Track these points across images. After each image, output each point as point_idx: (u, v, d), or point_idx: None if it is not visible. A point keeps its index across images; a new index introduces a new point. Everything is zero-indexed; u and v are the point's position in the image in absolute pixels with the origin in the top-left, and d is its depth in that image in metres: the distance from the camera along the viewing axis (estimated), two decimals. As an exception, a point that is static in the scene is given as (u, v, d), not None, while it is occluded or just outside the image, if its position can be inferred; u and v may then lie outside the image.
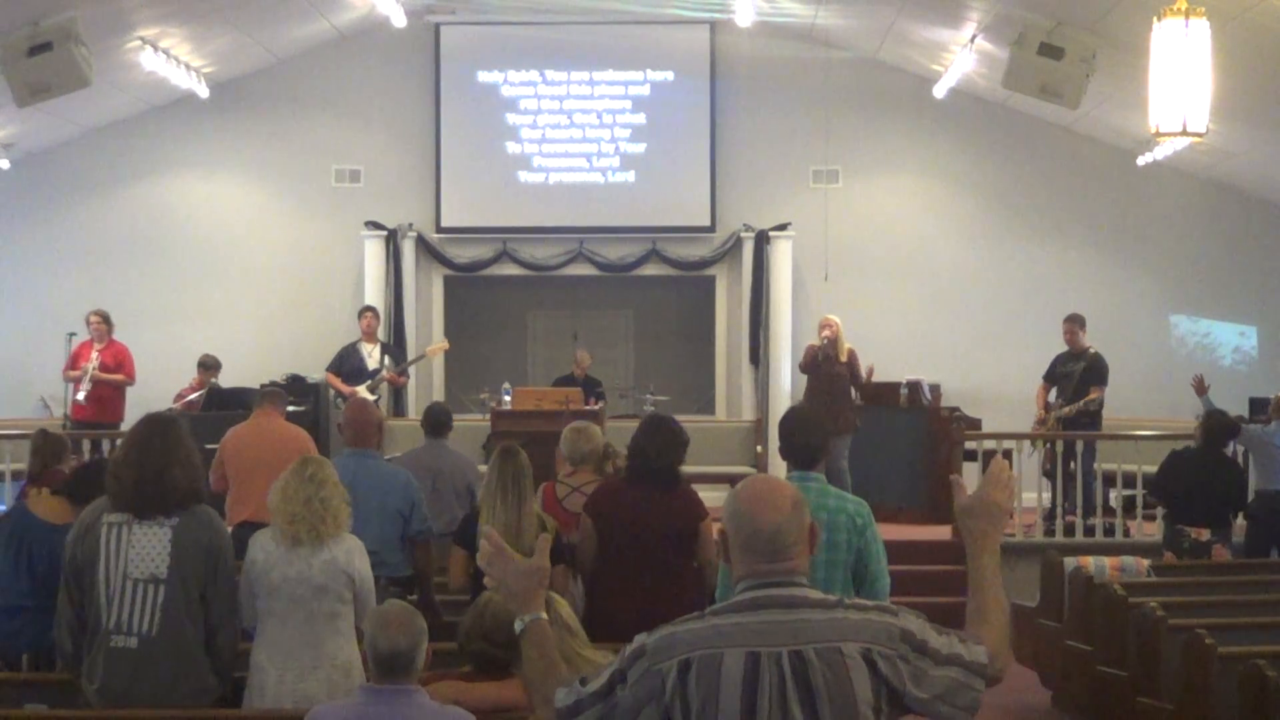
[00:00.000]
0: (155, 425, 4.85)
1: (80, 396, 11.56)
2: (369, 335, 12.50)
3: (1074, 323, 11.34)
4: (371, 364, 12.35)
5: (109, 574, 4.62)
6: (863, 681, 2.58)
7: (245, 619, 5.02)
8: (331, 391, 12.12)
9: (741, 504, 2.74)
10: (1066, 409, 11.01)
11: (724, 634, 2.63)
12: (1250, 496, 9.87)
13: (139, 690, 4.60)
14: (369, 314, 12.60)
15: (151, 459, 4.68)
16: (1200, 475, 8.76)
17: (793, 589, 2.68)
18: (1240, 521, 10.20)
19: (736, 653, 2.60)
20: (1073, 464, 10.88)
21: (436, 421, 7.91)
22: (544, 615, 2.93)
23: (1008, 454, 11.24)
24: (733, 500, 2.78)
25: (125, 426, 11.58)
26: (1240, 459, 10.39)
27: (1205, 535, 8.66)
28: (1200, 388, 10.22)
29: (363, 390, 11.98)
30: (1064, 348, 11.48)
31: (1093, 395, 10.96)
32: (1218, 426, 8.98)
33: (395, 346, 13.08)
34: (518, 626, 2.93)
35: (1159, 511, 9.62)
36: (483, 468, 6.37)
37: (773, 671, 2.58)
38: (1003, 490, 2.93)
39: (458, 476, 7.64)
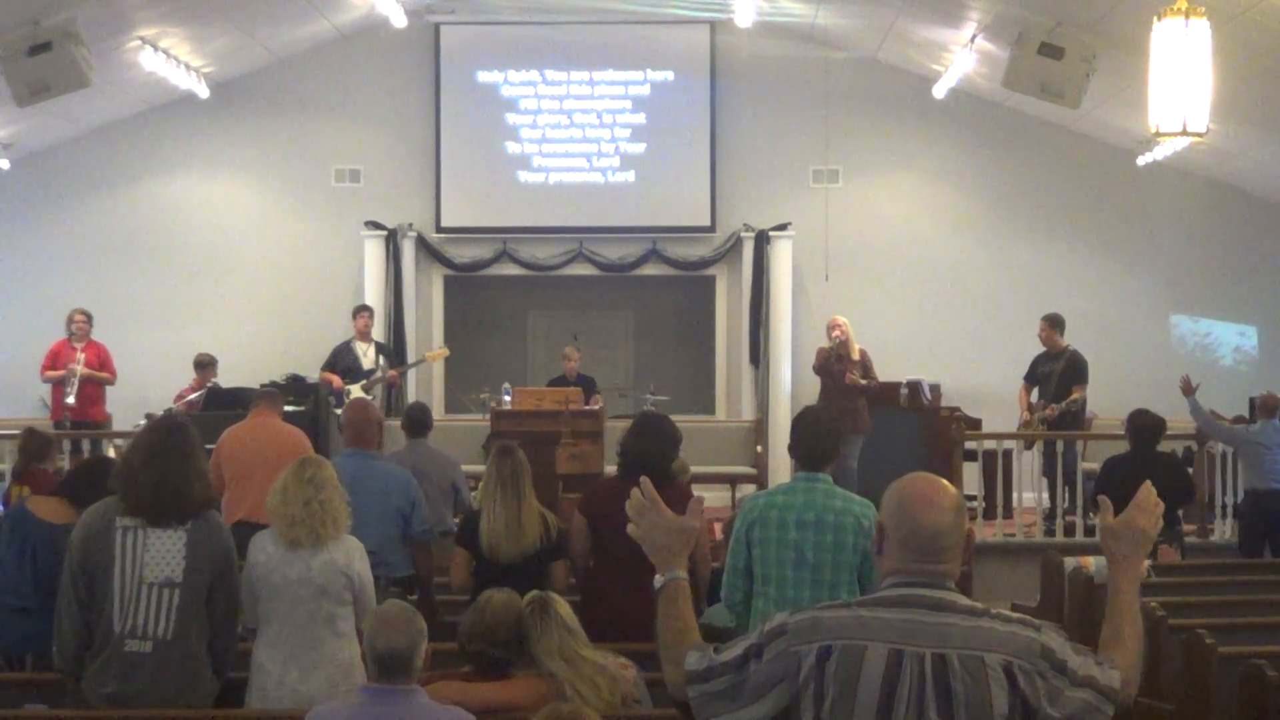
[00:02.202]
0: (172, 434, 4.84)
1: (70, 400, 11.55)
2: (363, 335, 12.47)
3: (1046, 322, 11.31)
4: (366, 363, 12.32)
5: (124, 578, 4.62)
6: (1001, 694, 2.59)
7: (248, 620, 5.02)
8: (329, 389, 12.08)
9: (906, 501, 2.74)
10: (1049, 410, 10.98)
11: (869, 626, 2.64)
12: (1240, 496, 9.87)
13: (152, 694, 4.60)
14: (364, 313, 12.58)
15: (172, 471, 4.69)
16: (1137, 477, 8.63)
17: (942, 592, 2.69)
18: (1231, 520, 10.24)
19: (880, 647, 2.61)
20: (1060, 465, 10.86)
21: (418, 422, 7.81)
22: (683, 575, 2.94)
23: (1007, 454, 11.25)
24: (896, 496, 2.77)
25: (112, 425, 11.64)
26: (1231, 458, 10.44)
27: None
28: (1187, 388, 10.17)
29: (357, 390, 11.97)
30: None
31: (1075, 395, 10.94)
32: (1144, 426, 8.71)
33: (389, 346, 13.06)
34: (658, 582, 2.93)
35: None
36: (478, 467, 6.37)
37: (914, 671, 2.59)
38: (1148, 517, 2.97)
39: (441, 476, 7.55)
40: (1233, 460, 10.65)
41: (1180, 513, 8.92)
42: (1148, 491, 3.03)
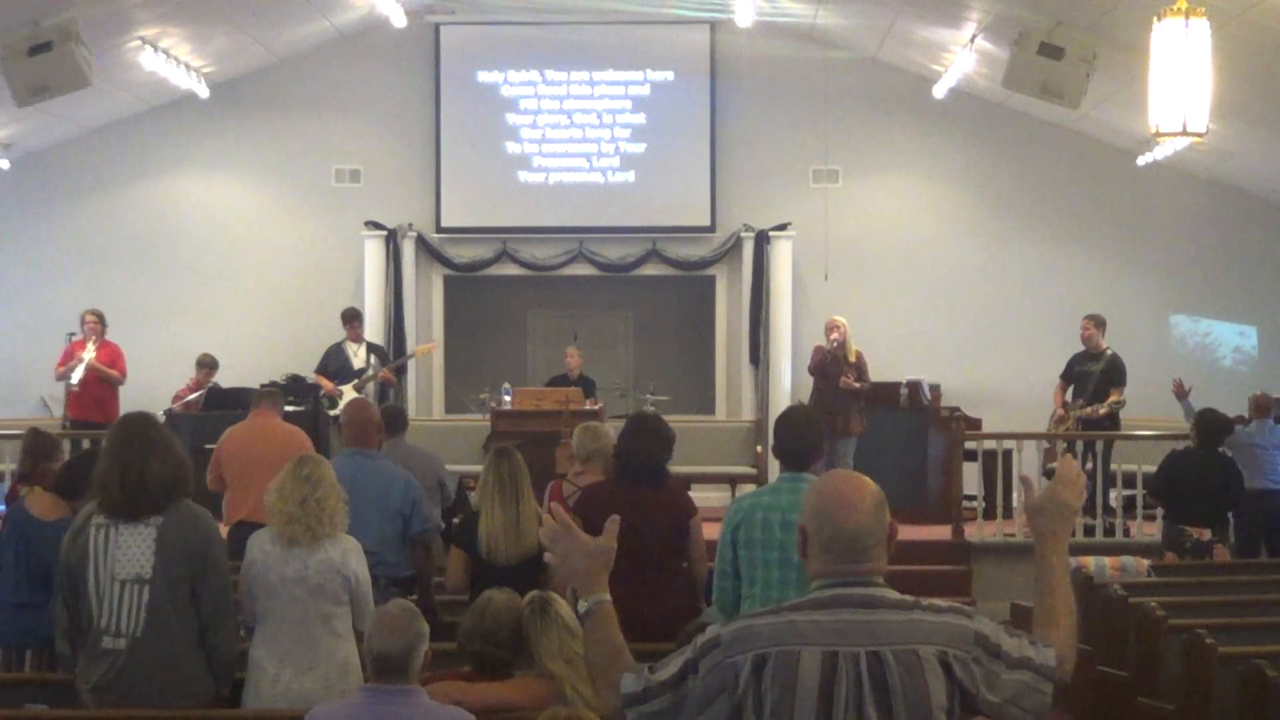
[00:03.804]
0: (130, 424, 4.83)
1: (74, 380, 11.53)
2: (355, 338, 12.49)
3: (1090, 321, 11.30)
4: (357, 363, 12.34)
5: (98, 575, 4.62)
6: (938, 685, 2.59)
7: (246, 618, 5.02)
8: (321, 392, 12.10)
9: (825, 503, 2.74)
10: (1089, 409, 10.96)
11: (801, 631, 2.62)
12: None
13: (131, 691, 4.60)
14: (355, 323, 12.57)
15: (131, 458, 4.66)
16: (1199, 475, 8.74)
17: (871, 589, 2.68)
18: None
19: (814, 651, 2.60)
20: (1090, 464, 10.86)
21: (394, 420, 7.75)
22: (607, 598, 2.89)
23: (1007, 454, 11.25)
24: (815, 498, 2.77)
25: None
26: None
27: (1207, 535, 8.64)
28: (1180, 391, 10.18)
29: (349, 390, 11.98)
30: (1064, 347, 11.48)
31: (1115, 397, 10.94)
32: (1212, 424, 8.92)
33: (380, 346, 13.08)
34: (582, 607, 2.89)
35: (1159, 512, 9.63)
36: (478, 467, 6.35)
37: (850, 672, 2.58)
38: (1071, 489, 2.93)
39: (426, 474, 7.49)
40: None
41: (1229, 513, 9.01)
42: (1069, 464, 3.01)
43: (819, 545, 2.71)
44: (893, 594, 2.69)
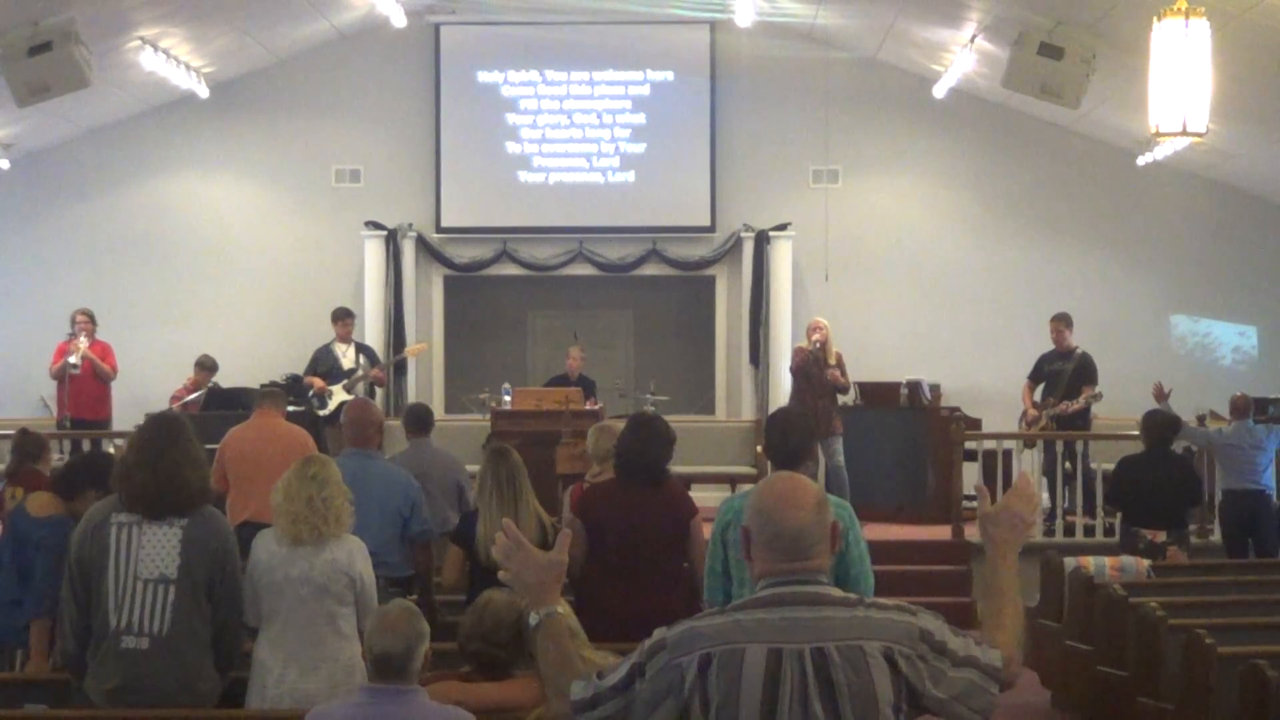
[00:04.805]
0: (164, 425, 4.85)
1: (75, 360, 11.53)
2: (344, 338, 12.42)
3: (1061, 322, 11.40)
4: (346, 364, 12.27)
5: (119, 574, 4.61)
6: (884, 680, 2.61)
7: (250, 618, 5.03)
8: (310, 391, 12.05)
9: (766, 503, 2.76)
10: (1063, 405, 11.01)
11: (746, 629, 2.65)
12: (1219, 498, 9.89)
13: (150, 691, 4.59)
14: (346, 320, 12.49)
15: (164, 460, 4.67)
16: (1151, 477, 8.64)
17: (815, 587, 2.70)
18: (1215, 523, 10.25)
19: (758, 649, 2.62)
20: (1069, 464, 10.89)
21: (420, 421, 7.77)
22: (559, 610, 2.94)
23: (1007, 454, 11.27)
24: (757, 499, 2.79)
25: (114, 425, 11.64)
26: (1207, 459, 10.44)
27: (1161, 537, 8.55)
28: (1159, 394, 10.19)
29: (339, 390, 11.96)
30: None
31: (1091, 393, 10.98)
32: (1159, 425, 8.82)
33: (369, 346, 13.03)
34: (533, 620, 2.93)
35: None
36: (477, 468, 6.35)
37: (795, 668, 2.60)
38: (1026, 503, 3.02)
39: (446, 476, 7.52)
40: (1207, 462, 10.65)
41: (1190, 513, 8.96)
42: (1025, 480, 3.10)
43: (762, 544, 2.74)
44: (837, 591, 2.72)
